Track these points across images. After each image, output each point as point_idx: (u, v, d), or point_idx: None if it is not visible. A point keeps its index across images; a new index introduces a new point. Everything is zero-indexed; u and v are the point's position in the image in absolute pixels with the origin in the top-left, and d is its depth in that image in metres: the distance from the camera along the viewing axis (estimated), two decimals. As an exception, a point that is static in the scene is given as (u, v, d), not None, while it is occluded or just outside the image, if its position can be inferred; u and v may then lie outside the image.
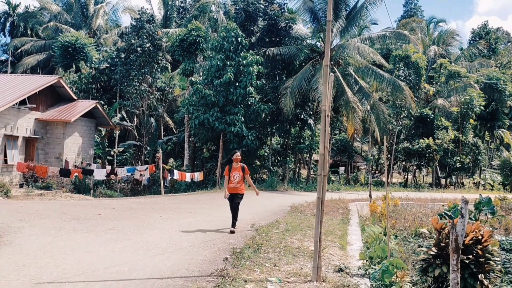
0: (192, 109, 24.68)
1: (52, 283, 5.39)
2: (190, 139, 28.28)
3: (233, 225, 9.62)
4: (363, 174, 39.72)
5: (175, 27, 40.18)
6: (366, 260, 8.24)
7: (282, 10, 29.68)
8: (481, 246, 7.10)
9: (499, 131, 41.99)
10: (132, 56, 28.86)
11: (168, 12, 43.72)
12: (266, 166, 30.72)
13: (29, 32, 47.62)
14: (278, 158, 33.25)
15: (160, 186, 21.73)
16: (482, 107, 35.91)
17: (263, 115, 26.91)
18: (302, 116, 29.40)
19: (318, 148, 33.71)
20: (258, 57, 25.52)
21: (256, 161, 30.07)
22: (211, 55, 25.87)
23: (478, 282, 6.96)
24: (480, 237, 7.23)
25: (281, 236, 9.65)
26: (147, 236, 8.71)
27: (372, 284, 6.82)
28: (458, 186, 37.52)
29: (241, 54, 24.84)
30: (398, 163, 39.53)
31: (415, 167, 38.38)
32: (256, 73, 25.13)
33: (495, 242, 9.81)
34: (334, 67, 27.89)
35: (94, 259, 6.72)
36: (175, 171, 23.01)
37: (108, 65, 33.71)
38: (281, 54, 27.32)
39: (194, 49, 27.62)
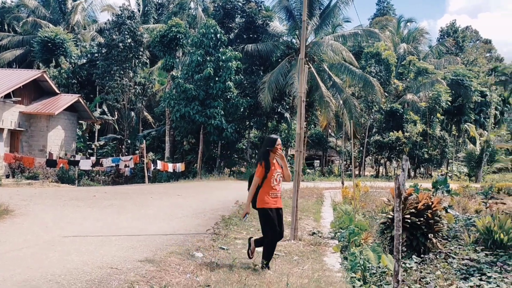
0: (173, 103, 25.62)
1: (77, 236, 6.48)
2: (171, 132, 29.19)
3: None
4: (337, 167, 41.33)
5: (153, 23, 40.89)
6: (336, 228, 9.53)
7: (259, 8, 30.82)
8: (431, 211, 8.49)
9: (465, 125, 44.20)
10: (113, 51, 29.55)
11: (146, 8, 44.37)
12: (245, 159, 31.90)
13: (5, 27, 47.42)
14: (256, 150, 34.45)
15: (142, 178, 22.66)
16: (449, 102, 37.87)
17: (242, 108, 28.05)
18: (279, 110, 30.66)
19: (294, 141, 35.10)
20: (236, 53, 26.62)
21: (234, 154, 31.25)
22: (191, 51, 26.84)
23: (428, 240, 8.34)
24: (430, 203, 8.62)
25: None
26: (144, 210, 9.80)
27: (340, 239, 8.09)
28: (426, 177, 39.48)
29: (220, 50, 25.90)
30: (370, 155, 41.27)
31: (386, 159, 40.19)
32: (235, 68, 26.22)
33: (446, 213, 11.31)
34: (309, 63, 29.20)
35: (104, 224, 7.81)
36: (158, 162, 23.96)
37: (87, 60, 34.23)
38: (258, 50, 28.50)
39: (174, 44, 28.49)
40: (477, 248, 9.05)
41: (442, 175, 41.04)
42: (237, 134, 28.50)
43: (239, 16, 30.63)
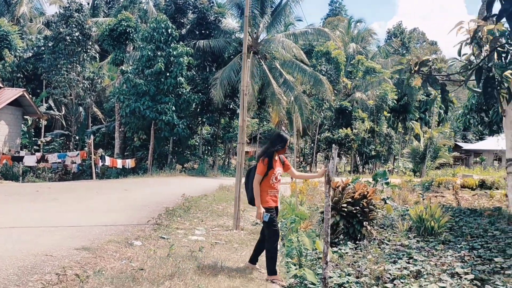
0: (123, 98, 25.22)
1: (15, 227, 6.39)
2: (121, 128, 28.70)
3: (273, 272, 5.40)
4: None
5: (104, 17, 39.95)
6: (279, 219, 9.82)
7: (211, 4, 30.83)
8: (367, 200, 8.94)
9: (411, 123, 46.08)
10: (60, 44, 28.64)
11: (96, 2, 43.25)
12: (197, 155, 31.86)
13: None
14: (209, 147, 34.49)
15: (90, 175, 22.18)
16: (395, 101, 39.42)
17: (194, 104, 27.99)
18: (231, 106, 30.83)
19: (247, 138, 35.39)
20: (188, 48, 26.53)
21: (187, 150, 31.14)
22: (141, 46, 26.47)
23: (364, 228, 8.79)
24: (366, 193, 9.08)
25: (208, 204, 11.02)
26: (87, 204, 9.72)
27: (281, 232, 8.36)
28: (373, 172, 40.89)
29: (171, 45, 25.72)
30: (321, 151, 42.24)
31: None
32: (186, 64, 26.13)
33: (385, 204, 11.87)
34: (261, 61, 29.61)
35: (45, 216, 7.71)
36: (107, 158, 23.53)
37: (33, 54, 32.99)
38: (210, 46, 28.52)
39: (124, 39, 28.02)
40: (409, 235, 9.61)
41: (389, 171, 42.76)
42: (189, 130, 28.41)
43: (191, 11, 30.51)
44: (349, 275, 6.54)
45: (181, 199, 10.98)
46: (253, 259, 5.67)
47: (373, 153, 38.12)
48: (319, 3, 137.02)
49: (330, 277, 6.29)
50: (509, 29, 3.31)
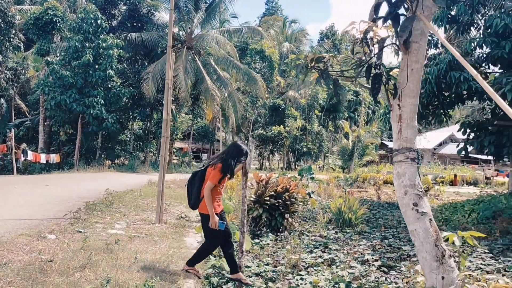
0: (47, 90, 24.04)
1: None
2: (46, 122, 27.35)
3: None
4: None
5: (29, 5, 37.79)
6: (205, 212, 9.91)
7: (144, -4, 30.15)
8: (289, 193, 9.27)
9: (340, 122, 47.87)
10: (-21, 31, 26.79)
11: (21, -12, 40.82)
12: (127, 151, 31.09)
13: None
14: (140, 143, 33.75)
15: (11, 170, 20.97)
16: (326, 100, 40.74)
17: (124, 99, 27.26)
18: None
19: (180, 133, 35.05)
20: (118, 40, 25.76)
21: (117, 146, 30.28)
22: (69, 36, 25.36)
23: (285, 220, 9.11)
24: (288, 186, 9.40)
25: (133, 199, 10.86)
26: (4, 198, 9.23)
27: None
28: (305, 169, 42.09)
29: (101, 36, 24.87)
30: (255, 149, 42.77)
31: (269, 152, 41.99)
32: (116, 56, 25.37)
33: (310, 198, 12.32)
34: (195, 56, 29.42)
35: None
36: (29, 152, 22.36)
37: None
38: (143, 39, 27.88)
39: (50, 28, 26.68)
40: (329, 226, 10.09)
41: (319, 167, 44.16)
42: (120, 125, 27.63)
43: (122, 3, 29.63)
44: (267, 264, 6.77)
45: (104, 194, 10.74)
46: (233, 269, 5.32)
47: (304, 150, 39.20)
48: (256, 2, 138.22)
49: (249, 267, 6.49)
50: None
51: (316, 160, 44.42)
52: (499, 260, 7.10)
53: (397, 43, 3.80)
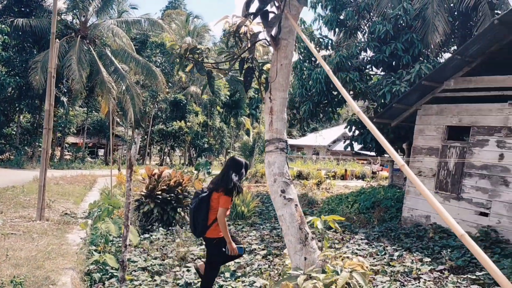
0: None
1: None
2: None
3: None
4: (119, 155, 40.74)
5: None
6: (93, 208, 9.52)
7: (33, -20, 27.98)
8: (181, 187, 9.24)
9: (242, 118, 48.64)
10: None
11: None
12: (13, 145, 28.69)
13: None
14: (28, 137, 31.32)
15: None
16: (228, 97, 41.12)
17: (10, 89, 25.13)
18: (55, 93, 28.48)
19: (71, 129, 33.17)
20: (4, 26, 23.61)
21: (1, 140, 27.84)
22: None
23: (177, 214, 9.07)
24: (181, 180, 9.37)
25: (14, 195, 10.11)
26: None
27: (92, 218, 8.13)
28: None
29: (-18, 20, 22.67)
30: (155, 144, 41.86)
31: (169, 148, 41.39)
32: (0, 43, 23.31)
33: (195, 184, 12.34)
34: (90, 46, 27.99)
35: None
36: None
37: None
38: (31, 26, 25.84)
39: None
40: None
41: (221, 163, 44.47)
42: (4, 117, 25.43)
43: (8, -15, 27.26)
44: (155, 258, 6.71)
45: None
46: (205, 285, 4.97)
47: (206, 146, 39.24)
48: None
49: (135, 261, 6.39)
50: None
51: (218, 156, 44.73)
52: (373, 246, 7.76)
53: (268, 39, 4.00)
